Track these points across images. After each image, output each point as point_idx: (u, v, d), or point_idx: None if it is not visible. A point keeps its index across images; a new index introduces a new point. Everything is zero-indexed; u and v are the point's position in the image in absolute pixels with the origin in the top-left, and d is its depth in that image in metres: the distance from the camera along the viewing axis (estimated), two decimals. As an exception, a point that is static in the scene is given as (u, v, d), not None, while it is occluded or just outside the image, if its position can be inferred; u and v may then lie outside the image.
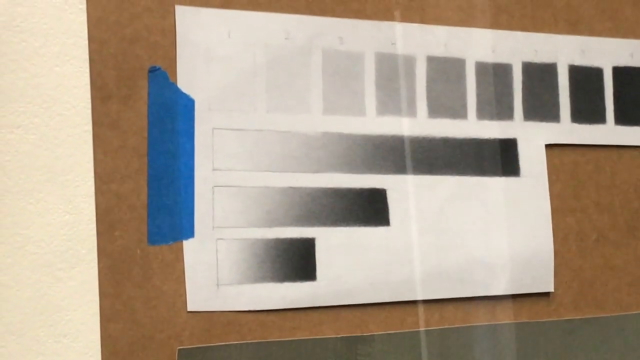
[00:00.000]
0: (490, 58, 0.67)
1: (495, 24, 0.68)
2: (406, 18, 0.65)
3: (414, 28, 0.65)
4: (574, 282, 0.69)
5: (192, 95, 0.60)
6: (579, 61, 0.70)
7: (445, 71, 0.66)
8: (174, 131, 0.59)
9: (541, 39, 0.69)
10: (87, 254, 0.57)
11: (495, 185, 0.67)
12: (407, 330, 0.64)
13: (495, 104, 0.67)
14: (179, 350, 0.57)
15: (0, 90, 0.56)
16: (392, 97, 0.65)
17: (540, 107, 0.69)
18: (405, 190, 0.64)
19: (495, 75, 0.67)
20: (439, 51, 0.66)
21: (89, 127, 0.58)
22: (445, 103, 0.66)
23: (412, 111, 0.65)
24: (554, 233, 0.68)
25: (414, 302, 0.64)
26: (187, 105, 0.60)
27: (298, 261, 0.61)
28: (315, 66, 0.63)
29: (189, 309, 0.59)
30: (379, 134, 0.64)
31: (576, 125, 0.70)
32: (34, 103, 0.57)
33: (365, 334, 0.62)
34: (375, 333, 0.63)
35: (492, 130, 0.67)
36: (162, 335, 0.58)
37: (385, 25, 0.65)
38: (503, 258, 0.66)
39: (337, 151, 0.63)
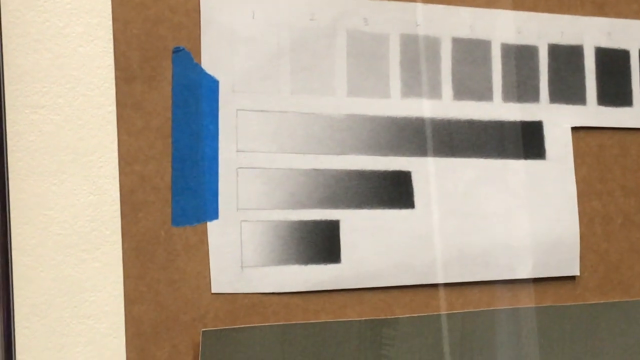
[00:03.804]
0: (515, 40, 0.67)
1: (520, 6, 0.67)
2: (431, -1, 0.65)
3: (439, 9, 0.65)
4: (600, 265, 0.69)
5: (216, 76, 0.59)
6: (606, 43, 0.69)
7: (471, 53, 0.65)
8: (198, 112, 0.59)
9: (567, 20, 0.68)
10: (111, 235, 0.57)
11: (521, 168, 0.66)
12: (431, 314, 0.63)
13: (521, 86, 0.67)
14: (203, 332, 0.57)
15: (24, 71, 0.56)
16: (416, 79, 0.64)
17: (566, 90, 0.68)
18: (430, 173, 0.64)
19: (520, 57, 0.67)
20: (464, 33, 0.65)
21: (112, 107, 0.57)
22: (470, 85, 0.65)
23: (437, 93, 0.64)
24: (579, 216, 0.68)
25: (438, 286, 0.64)
26: (211, 86, 0.59)
27: (322, 243, 0.61)
28: (340, 48, 0.62)
29: (213, 291, 0.59)
30: (404, 116, 0.64)
31: (602, 108, 0.69)
32: (58, 83, 0.56)
33: (389, 317, 0.62)
34: (399, 316, 0.62)
35: (518, 112, 0.66)
36: (186, 316, 0.58)
37: (409, 6, 0.64)
38: (528, 241, 0.66)
39: (362, 133, 0.62)
